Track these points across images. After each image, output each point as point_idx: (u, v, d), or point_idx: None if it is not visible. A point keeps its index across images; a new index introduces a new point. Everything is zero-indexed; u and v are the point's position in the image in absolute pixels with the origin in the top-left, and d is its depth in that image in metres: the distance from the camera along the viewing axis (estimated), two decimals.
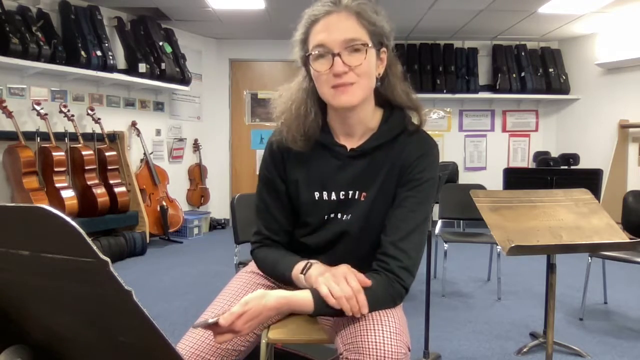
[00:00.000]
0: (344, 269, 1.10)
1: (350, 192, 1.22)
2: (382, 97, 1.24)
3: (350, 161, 1.22)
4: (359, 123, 1.21)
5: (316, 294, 1.06)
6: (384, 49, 1.17)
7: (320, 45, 1.11)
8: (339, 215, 1.23)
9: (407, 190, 1.18)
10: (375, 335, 1.03)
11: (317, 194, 1.23)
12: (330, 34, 1.10)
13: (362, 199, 1.21)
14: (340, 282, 1.05)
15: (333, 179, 1.22)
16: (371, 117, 1.22)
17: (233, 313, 1.00)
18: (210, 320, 0.99)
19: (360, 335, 1.05)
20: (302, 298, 1.06)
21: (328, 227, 1.24)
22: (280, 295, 1.06)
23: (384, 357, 1.01)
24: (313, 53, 1.12)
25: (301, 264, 1.18)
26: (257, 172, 1.33)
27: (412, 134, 1.22)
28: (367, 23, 1.11)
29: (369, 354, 1.01)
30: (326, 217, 1.24)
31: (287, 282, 1.20)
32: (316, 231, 1.26)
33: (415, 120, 1.24)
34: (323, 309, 1.07)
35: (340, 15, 1.11)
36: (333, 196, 1.22)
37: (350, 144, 1.23)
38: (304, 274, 1.14)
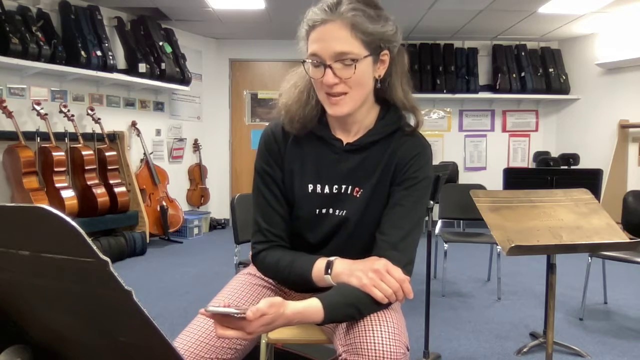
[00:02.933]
0: (382, 261, 1.10)
1: (344, 186, 1.22)
2: (381, 95, 1.25)
3: (346, 155, 1.23)
4: (354, 122, 1.23)
5: (327, 303, 1.05)
6: (385, 51, 1.17)
7: (314, 55, 1.12)
8: (331, 211, 1.23)
9: (403, 189, 1.19)
10: (373, 336, 1.03)
11: (310, 186, 1.24)
12: (323, 45, 1.11)
13: (355, 194, 1.22)
14: (385, 277, 1.06)
15: (328, 171, 1.23)
16: (367, 115, 1.24)
17: (260, 309, 0.96)
18: (233, 311, 0.93)
19: (359, 336, 1.05)
20: (314, 310, 1.04)
21: (323, 223, 1.24)
22: (295, 310, 1.03)
23: (383, 357, 1.00)
24: (308, 61, 1.15)
25: (321, 264, 1.16)
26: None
27: (407, 134, 1.23)
28: (361, 34, 1.11)
29: (368, 355, 1.01)
30: (317, 211, 1.24)
31: (303, 284, 1.17)
32: (311, 227, 1.26)
33: (412, 122, 1.25)
34: (332, 318, 1.07)
35: (334, 25, 1.10)
36: (326, 189, 1.23)
37: (347, 138, 1.24)
38: (330, 274, 1.14)
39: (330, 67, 1.10)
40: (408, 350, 1.07)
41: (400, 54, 1.22)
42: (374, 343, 1.02)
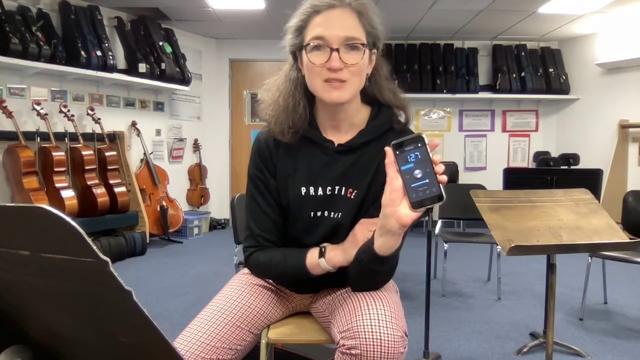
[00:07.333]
0: (359, 224, 1.18)
1: (337, 188, 1.22)
2: (369, 96, 1.25)
3: (338, 157, 1.23)
4: (345, 118, 1.23)
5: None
6: (374, 50, 1.19)
7: (319, 38, 1.12)
8: (326, 213, 1.23)
9: None
10: (370, 320, 1.03)
11: (303, 189, 1.24)
12: (331, 28, 1.11)
13: (349, 195, 1.22)
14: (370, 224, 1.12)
15: (320, 174, 1.23)
16: (357, 113, 1.24)
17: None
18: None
19: (356, 320, 1.05)
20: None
21: (319, 226, 1.24)
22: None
23: (381, 340, 1.00)
24: (310, 44, 1.13)
25: (314, 251, 1.20)
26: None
27: (399, 131, 1.23)
28: (366, 24, 1.14)
29: (365, 338, 1.01)
30: (312, 214, 1.24)
31: (298, 274, 1.21)
32: (307, 230, 1.26)
33: (402, 119, 1.26)
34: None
35: (343, 11, 1.13)
36: (320, 191, 1.23)
37: (338, 139, 1.24)
38: (324, 257, 1.17)
39: (337, 50, 1.10)
40: (406, 336, 1.06)
41: (381, 60, 1.25)
42: (371, 326, 1.02)
